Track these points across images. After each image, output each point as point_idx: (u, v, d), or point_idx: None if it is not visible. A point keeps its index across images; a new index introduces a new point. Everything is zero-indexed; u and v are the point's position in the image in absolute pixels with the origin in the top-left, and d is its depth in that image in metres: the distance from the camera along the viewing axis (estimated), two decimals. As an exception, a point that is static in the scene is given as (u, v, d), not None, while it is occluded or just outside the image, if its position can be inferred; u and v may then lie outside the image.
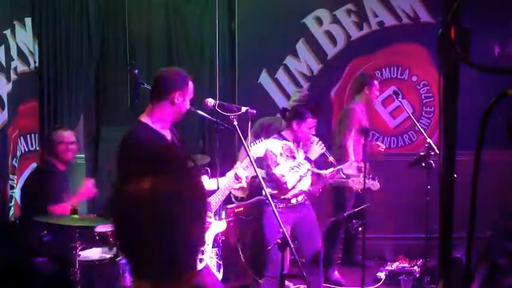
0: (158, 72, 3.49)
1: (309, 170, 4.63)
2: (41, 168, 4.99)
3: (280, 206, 4.52)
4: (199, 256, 3.41)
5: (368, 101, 6.01)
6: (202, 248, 3.42)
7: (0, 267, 4.59)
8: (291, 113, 4.67)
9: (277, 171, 4.50)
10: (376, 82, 6.00)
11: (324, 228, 5.80)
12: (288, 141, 4.61)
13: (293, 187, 4.56)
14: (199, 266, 3.39)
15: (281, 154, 4.52)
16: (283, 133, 4.65)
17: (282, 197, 4.56)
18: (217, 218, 3.82)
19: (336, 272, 5.86)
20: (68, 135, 4.85)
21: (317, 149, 4.68)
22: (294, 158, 4.60)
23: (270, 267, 4.47)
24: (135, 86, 5.05)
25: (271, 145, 4.49)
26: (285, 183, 4.50)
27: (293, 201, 4.61)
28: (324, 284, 4.99)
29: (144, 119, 3.39)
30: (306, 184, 4.63)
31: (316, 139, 4.71)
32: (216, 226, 3.63)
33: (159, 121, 3.38)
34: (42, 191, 4.66)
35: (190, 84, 3.43)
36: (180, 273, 1.28)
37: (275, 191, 4.52)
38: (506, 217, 6.24)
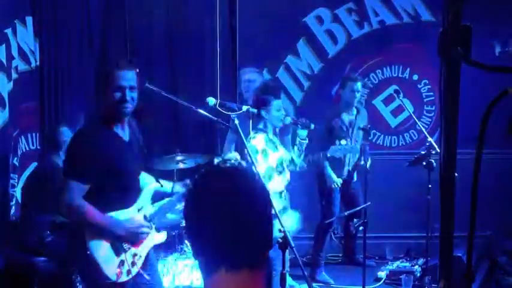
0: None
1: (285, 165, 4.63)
2: (42, 168, 5.00)
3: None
4: (127, 267, 3.20)
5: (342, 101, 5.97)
6: (134, 260, 3.25)
7: (0, 266, 4.60)
8: (255, 104, 4.63)
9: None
10: (356, 85, 5.86)
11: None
12: (266, 133, 4.61)
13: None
14: (125, 278, 3.21)
15: (263, 151, 4.50)
16: (259, 127, 4.63)
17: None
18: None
19: (324, 273, 5.85)
20: (69, 132, 4.94)
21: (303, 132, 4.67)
22: (276, 148, 4.61)
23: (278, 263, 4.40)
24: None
25: (256, 142, 4.49)
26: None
27: None
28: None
29: (101, 115, 3.22)
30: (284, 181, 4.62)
31: (288, 119, 4.64)
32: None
33: (110, 119, 3.19)
34: (44, 190, 4.68)
35: (115, 73, 3.13)
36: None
37: None
38: (506, 216, 6.24)
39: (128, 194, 3.27)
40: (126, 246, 3.20)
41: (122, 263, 3.17)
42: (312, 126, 4.65)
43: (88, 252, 3.06)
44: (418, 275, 5.59)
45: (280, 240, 3.46)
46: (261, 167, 4.39)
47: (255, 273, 1.35)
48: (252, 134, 4.64)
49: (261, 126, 4.62)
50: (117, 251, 3.16)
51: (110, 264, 3.13)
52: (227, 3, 6.53)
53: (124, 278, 3.17)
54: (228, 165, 1.43)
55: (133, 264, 3.22)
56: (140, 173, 3.43)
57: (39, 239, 4.55)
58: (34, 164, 5.43)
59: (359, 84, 5.86)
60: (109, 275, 3.11)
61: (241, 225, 1.32)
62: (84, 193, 3.06)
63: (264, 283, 1.38)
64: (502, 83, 1.29)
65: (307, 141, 4.69)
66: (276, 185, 4.55)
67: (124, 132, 3.23)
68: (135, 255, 3.25)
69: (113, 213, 3.17)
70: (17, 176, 5.46)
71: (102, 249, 3.11)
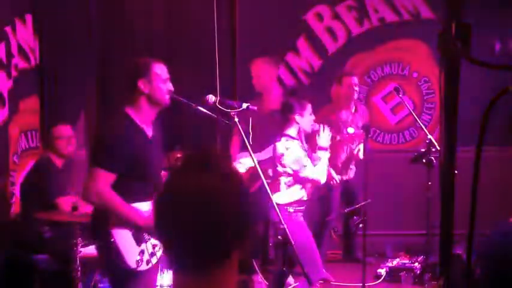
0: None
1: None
2: (38, 165, 5.02)
3: (301, 209, 4.48)
4: (147, 257, 3.32)
5: (341, 98, 5.95)
6: (153, 251, 3.37)
7: (0, 264, 4.60)
8: (286, 110, 4.52)
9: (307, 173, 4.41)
10: (346, 79, 5.91)
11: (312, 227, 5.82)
12: (297, 139, 4.49)
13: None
14: (144, 267, 3.31)
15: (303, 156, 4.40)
16: (288, 133, 4.48)
17: (305, 199, 4.49)
18: None
19: (323, 270, 5.84)
20: (66, 129, 4.95)
21: (326, 134, 4.54)
22: (306, 156, 4.52)
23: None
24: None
25: (295, 149, 4.36)
26: (319, 181, 4.46)
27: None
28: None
29: (129, 110, 3.36)
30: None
31: (317, 125, 4.55)
32: None
33: (138, 114, 3.37)
34: (40, 187, 4.71)
35: (156, 68, 3.40)
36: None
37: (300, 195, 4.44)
38: (506, 214, 6.24)
39: (149, 186, 3.37)
40: (146, 236, 3.31)
41: (142, 252, 3.29)
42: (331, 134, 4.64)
43: (112, 240, 3.20)
44: (418, 272, 5.59)
45: (280, 238, 3.47)
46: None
47: (225, 269, 1.34)
48: (284, 141, 4.44)
49: (293, 133, 4.44)
50: (138, 240, 3.28)
51: (131, 252, 3.25)
52: (227, 1, 6.52)
53: (143, 267, 3.29)
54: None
55: (152, 254, 3.34)
56: (161, 169, 3.55)
57: (39, 235, 4.56)
58: (34, 162, 5.43)
59: (355, 79, 5.91)
60: (129, 262, 3.23)
61: (206, 223, 1.30)
62: (112, 182, 3.21)
63: (235, 281, 1.38)
64: (503, 81, 1.29)
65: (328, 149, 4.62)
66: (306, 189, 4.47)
67: (148, 129, 3.41)
68: (155, 245, 3.36)
69: (136, 204, 3.29)
70: (16, 173, 5.46)
71: (124, 237, 3.24)
